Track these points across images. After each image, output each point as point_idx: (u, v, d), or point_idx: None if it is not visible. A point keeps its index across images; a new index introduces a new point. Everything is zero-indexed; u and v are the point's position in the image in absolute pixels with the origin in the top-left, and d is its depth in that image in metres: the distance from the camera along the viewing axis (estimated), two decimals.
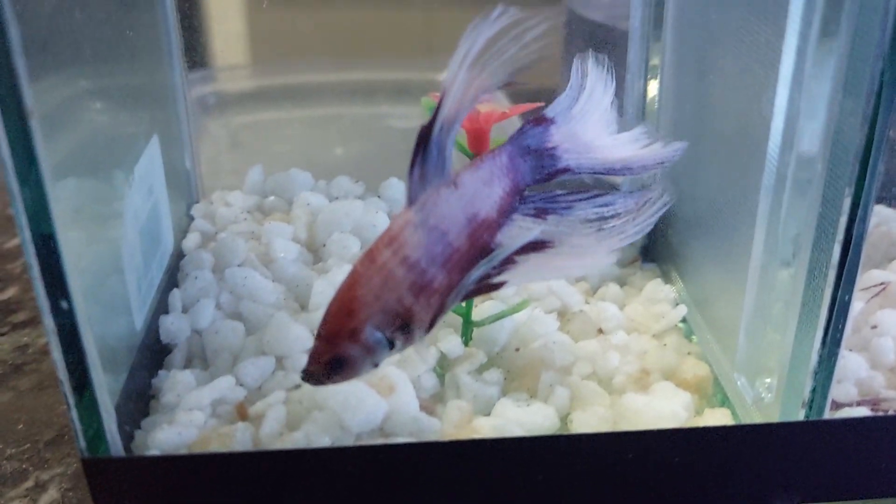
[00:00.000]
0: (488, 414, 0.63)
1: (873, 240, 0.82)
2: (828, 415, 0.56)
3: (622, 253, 0.58)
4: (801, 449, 0.57)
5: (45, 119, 0.48)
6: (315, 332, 0.55)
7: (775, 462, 0.58)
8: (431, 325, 0.54)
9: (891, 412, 0.63)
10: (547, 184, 0.58)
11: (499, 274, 0.54)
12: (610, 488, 0.58)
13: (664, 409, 0.61)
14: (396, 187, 0.91)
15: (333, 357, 0.53)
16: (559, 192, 0.58)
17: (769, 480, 0.59)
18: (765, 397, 0.61)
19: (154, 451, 0.57)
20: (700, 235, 0.74)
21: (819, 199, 0.53)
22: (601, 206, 0.58)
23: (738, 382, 0.64)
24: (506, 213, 0.56)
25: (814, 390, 0.55)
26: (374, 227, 0.81)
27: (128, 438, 0.59)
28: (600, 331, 0.72)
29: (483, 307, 0.71)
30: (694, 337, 0.73)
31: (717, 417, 0.63)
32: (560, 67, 1.09)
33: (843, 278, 0.52)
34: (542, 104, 0.64)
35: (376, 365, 0.54)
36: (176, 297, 0.72)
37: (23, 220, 0.48)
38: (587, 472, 0.57)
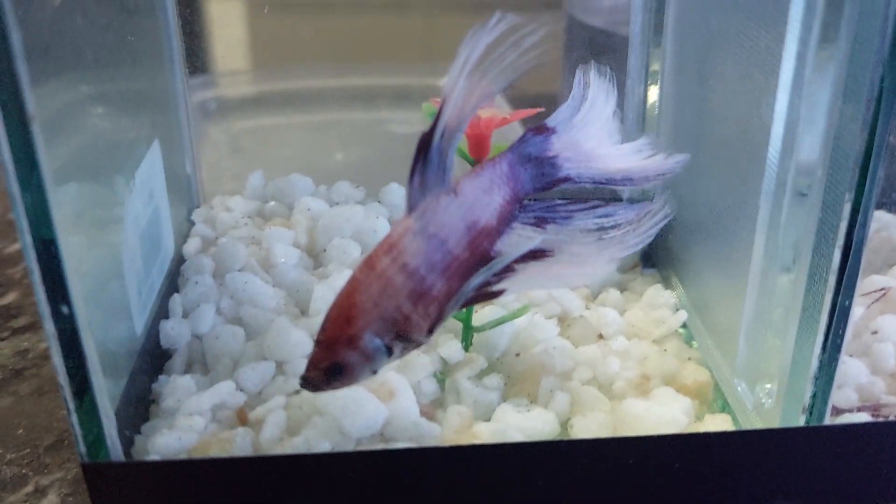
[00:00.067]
0: (489, 419, 0.63)
1: (874, 245, 0.82)
2: (828, 420, 0.56)
3: (622, 259, 0.58)
4: (801, 455, 0.57)
5: (47, 124, 0.48)
6: (314, 338, 0.55)
7: (776, 468, 0.58)
8: (430, 332, 0.54)
9: (891, 418, 0.63)
10: (548, 193, 0.58)
11: (498, 282, 0.54)
12: (610, 494, 0.58)
13: (664, 414, 0.61)
14: (397, 192, 0.91)
15: (332, 364, 0.53)
16: (558, 201, 0.58)
17: (770, 486, 0.59)
18: (765, 403, 0.61)
19: (154, 456, 0.57)
20: (700, 241, 0.74)
21: (819, 204, 0.53)
22: (601, 216, 0.58)
23: (739, 388, 0.64)
24: (505, 222, 0.56)
25: (814, 396, 0.55)
26: (374, 233, 0.81)
27: (128, 443, 0.59)
28: (601, 336, 0.72)
29: (483, 312, 0.71)
30: (694, 342, 0.73)
31: (718, 423, 0.63)
32: (560, 73, 1.09)
33: (843, 284, 0.52)
34: (543, 109, 0.64)
35: (375, 372, 0.54)
36: (176, 301, 0.72)
37: (24, 225, 0.48)
38: (587, 477, 0.57)
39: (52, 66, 0.52)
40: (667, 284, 0.80)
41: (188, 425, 0.59)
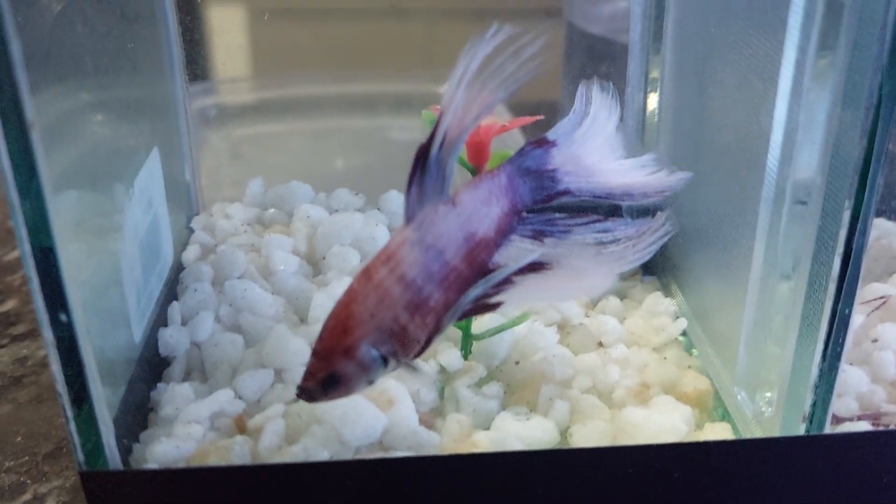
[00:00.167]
0: (488, 428, 0.63)
1: (874, 253, 0.82)
2: (828, 429, 0.56)
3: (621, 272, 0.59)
4: (801, 464, 0.57)
5: (46, 131, 0.48)
6: (312, 347, 0.55)
7: (776, 477, 0.58)
8: (427, 343, 0.54)
9: (892, 427, 0.63)
10: (547, 206, 0.58)
11: (496, 294, 0.54)
12: (610, 503, 0.58)
13: (664, 422, 0.61)
14: (396, 200, 0.91)
15: (328, 374, 0.53)
16: (557, 215, 0.58)
17: (770, 495, 0.58)
18: (765, 411, 0.61)
19: (152, 465, 0.57)
20: (700, 248, 0.74)
21: (819, 211, 0.53)
22: (600, 231, 0.58)
23: (739, 396, 0.64)
24: (504, 234, 0.56)
25: (814, 404, 0.55)
26: (373, 240, 0.81)
27: (126, 452, 0.59)
28: (600, 344, 0.72)
29: (483, 320, 0.71)
30: (694, 350, 0.73)
31: (718, 432, 0.63)
32: (560, 81, 1.09)
33: (843, 291, 0.52)
34: (542, 117, 0.64)
35: (371, 382, 0.54)
36: (175, 309, 0.72)
37: (23, 233, 0.48)
38: (587, 486, 0.57)
39: (51, 74, 0.52)
40: (667, 292, 0.80)
41: (186, 433, 0.59)
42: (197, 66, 0.91)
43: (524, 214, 0.57)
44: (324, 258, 0.81)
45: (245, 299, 0.73)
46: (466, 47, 0.51)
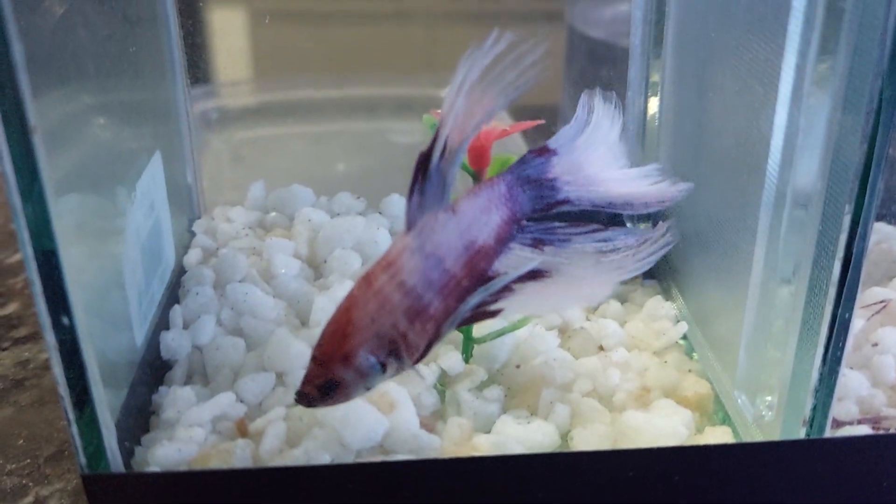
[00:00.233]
0: (489, 431, 0.63)
1: (874, 257, 0.82)
2: (829, 433, 0.56)
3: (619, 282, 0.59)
4: (801, 467, 0.57)
5: (48, 134, 0.48)
6: (311, 353, 0.55)
7: (776, 480, 0.58)
8: (426, 350, 0.54)
9: (892, 430, 0.63)
10: (547, 215, 0.58)
11: (495, 302, 0.54)
12: None
13: (665, 426, 0.61)
14: (398, 203, 0.91)
15: (326, 381, 0.53)
16: (557, 224, 0.58)
17: (770, 499, 0.58)
18: (765, 415, 0.61)
19: (154, 468, 0.57)
20: (700, 252, 0.74)
21: (819, 216, 0.53)
22: (599, 240, 0.58)
23: (739, 400, 0.64)
24: (504, 242, 0.56)
25: (814, 408, 0.55)
26: (375, 244, 0.81)
27: (128, 455, 0.59)
28: (601, 348, 0.72)
29: (484, 324, 0.71)
30: (695, 354, 0.73)
31: (718, 435, 0.63)
32: (561, 84, 1.09)
33: (843, 296, 0.52)
34: (543, 122, 0.64)
35: (369, 388, 0.54)
36: (177, 312, 0.72)
37: (25, 237, 0.48)
38: (587, 490, 0.57)
39: (53, 77, 0.52)
40: (667, 296, 0.80)
41: (188, 437, 0.59)
42: (198, 69, 0.91)
43: (524, 223, 0.57)
44: (325, 262, 0.81)
45: (246, 303, 0.73)
46: (466, 54, 0.51)
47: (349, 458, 0.59)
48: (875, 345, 0.69)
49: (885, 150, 0.49)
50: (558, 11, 1.12)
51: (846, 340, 0.53)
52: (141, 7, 0.76)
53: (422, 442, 0.60)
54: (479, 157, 0.65)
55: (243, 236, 0.87)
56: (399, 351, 0.53)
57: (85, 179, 0.58)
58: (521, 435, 0.61)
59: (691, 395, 0.66)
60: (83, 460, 0.54)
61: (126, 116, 0.70)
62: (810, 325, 0.55)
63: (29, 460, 0.68)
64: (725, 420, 0.65)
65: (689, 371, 0.70)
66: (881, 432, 0.62)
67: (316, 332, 0.69)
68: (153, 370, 0.68)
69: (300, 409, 0.62)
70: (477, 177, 0.66)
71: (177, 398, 0.64)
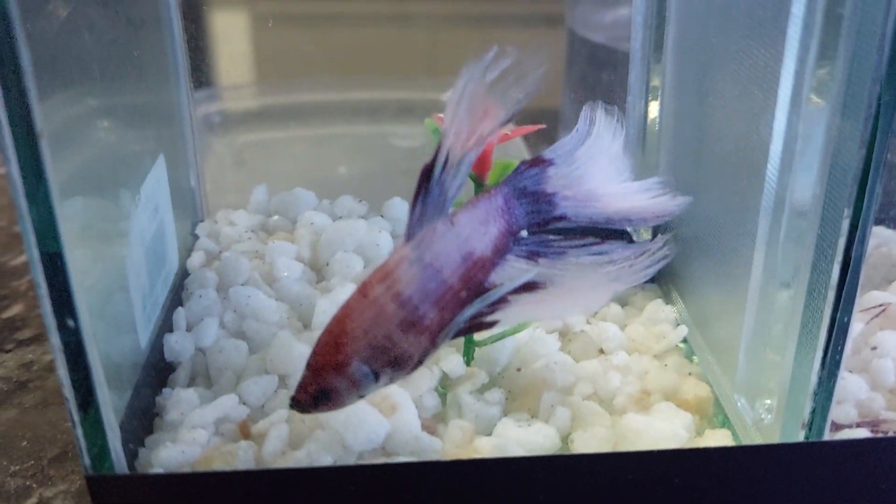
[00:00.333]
0: (490, 434, 0.63)
1: (873, 261, 0.82)
2: (827, 436, 0.57)
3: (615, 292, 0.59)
4: (801, 470, 0.58)
5: (54, 137, 0.49)
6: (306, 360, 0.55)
7: (775, 483, 0.58)
8: (421, 361, 0.54)
9: (890, 434, 0.63)
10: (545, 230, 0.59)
11: (492, 313, 0.55)
12: None
13: (665, 429, 0.61)
14: (399, 207, 0.91)
15: (319, 389, 0.54)
16: (552, 237, 0.58)
17: (769, 501, 0.59)
18: (765, 418, 0.61)
19: (158, 469, 0.58)
20: (700, 256, 0.74)
21: (818, 220, 0.53)
22: (595, 254, 0.58)
23: (739, 403, 0.64)
24: (500, 253, 0.56)
25: (813, 411, 0.56)
26: (377, 247, 0.82)
27: (132, 456, 0.59)
28: (601, 351, 0.72)
29: None
30: (695, 357, 0.73)
31: (718, 438, 0.63)
32: (562, 89, 1.09)
33: (842, 299, 0.53)
34: (544, 126, 0.64)
35: (362, 396, 0.55)
36: (180, 315, 0.72)
37: (31, 239, 0.48)
38: (588, 492, 0.57)
39: (59, 80, 0.53)
40: (667, 299, 0.81)
41: (191, 438, 0.60)
42: (201, 72, 0.91)
43: (520, 235, 0.58)
44: (327, 265, 0.81)
45: (249, 306, 0.73)
46: (465, 66, 0.52)
47: (351, 460, 0.59)
48: (874, 348, 0.69)
49: (883, 155, 0.49)
50: (559, 15, 1.13)
51: (845, 344, 0.54)
52: (145, 11, 0.76)
53: (423, 444, 0.60)
54: (480, 162, 0.65)
55: (246, 239, 0.87)
56: (393, 361, 0.53)
57: (90, 182, 0.58)
58: (521, 437, 0.61)
59: (691, 399, 0.66)
60: (87, 461, 0.54)
61: (130, 120, 0.70)
62: (809, 329, 0.55)
63: (33, 462, 0.68)
64: (725, 423, 0.66)
65: (689, 374, 0.70)
66: (880, 435, 0.63)
67: (318, 334, 0.69)
68: (157, 372, 0.68)
69: None
70: (478, 181, 0.66)
71: (180, 400, 0.64)
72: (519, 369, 0.68)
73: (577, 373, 0.68)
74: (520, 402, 0.66)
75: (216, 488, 0.56)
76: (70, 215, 0.51)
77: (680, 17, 0.78)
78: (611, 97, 0.92)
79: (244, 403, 0.64)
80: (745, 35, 0.62)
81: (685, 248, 0.77)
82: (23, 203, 0.47)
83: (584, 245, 0.58)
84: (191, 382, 0.69)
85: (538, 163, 0.59)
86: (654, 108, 0.85)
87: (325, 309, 0.72)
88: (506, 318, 0.55)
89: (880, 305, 0.73)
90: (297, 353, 0.66)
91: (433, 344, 0.54)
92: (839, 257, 0.52)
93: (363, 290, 0.53)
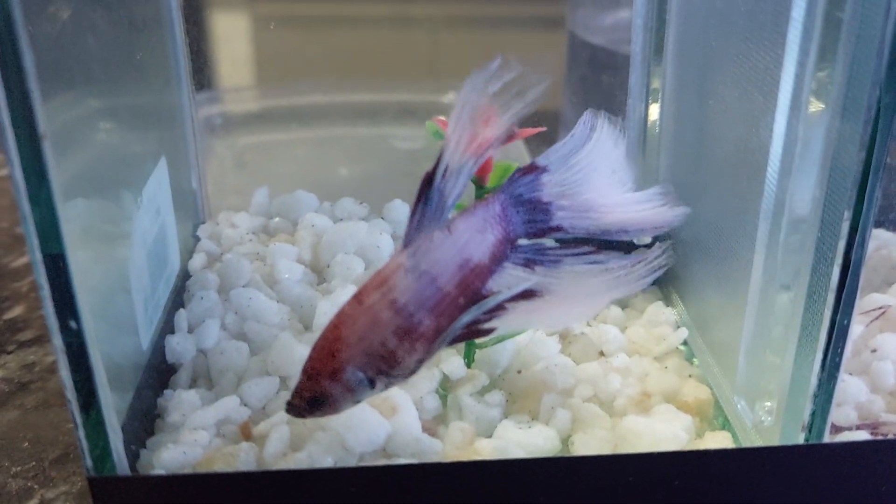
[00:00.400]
0: (490, 436, 0.63)
1: (873, 263, 0.82)
2: (827, 438, 0.57)
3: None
4: (800, 473, 0.58)
5: (56, 139, 0.49)
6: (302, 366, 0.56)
7: (775, 486, 0.58)
8: (417, 367, 0.55)
9: (890, 436, 0.63)
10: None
11: (488, 320, 0.55)
12: None
13: (665, 431, 0.61)
14: (400, 209, 0.92)
15: (314, 394, 0.54)
16: (549, 245, 0.59)
17: (769, 503, 0.59)
18: (765, 420, 0.61)
19: (159, 471, 0.58)
20: (701, 258, 0.74)
21: (818, 223, 0.53)
22: (591, 262, 0.58)
23: (739, 405, 0.65)
24: (498, 261, 0.56)
25: (813, 414, 0.56)
26: (377, 249, 0.82)
27: (133, 457, 0.59)
28: (602, 353, 0.73)
29: None
30: (695, 359, 0.73)
31: (718, 440, 0.63)
32: (562, 91, 1.10)
33: (842, 302, 0.53)
34: (545, 129, 0.64)
35: (358, 402, 0.55)
36: (182, 317, 0.72)
37: (33, 241, 0.48)
38: (588, 494, 0.58)
39: (62, 82, 0.53)
40: (668, 302, 0.81)
41: (193, 440, 0.60)
42: (202, 74, 0.91)
43: (517, 243, 0.58)
44: (328, 266, 0.81)
45: (250, 307, 0.73)
46: (469, 78, 0.53)
47: (352, 462, 0.59)
48: (874, 351, 0.70)
49: (883, 158, 0.50)
50: (559, 18, 1.13)
51: (845, 346, 0.54)
52: (146, 13, 0.76)
53: (424, 446, 0.60)
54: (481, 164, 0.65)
55: (247, 241, 0.87)
56: (388, 367, 0.53)
57: (92, 184, 0.58)
58: (522, 439, 0.61)
59: (691, 401, 0.67)
60: (89, 463, 0.54)
61: (132, 122, 0.70)
62: (809, 331, 0.55)
63: (34, 463, 0.68)
64: (725, 425, 0.66)
65: (690, 376, 0.70)
66: (880, 438, 0.63)
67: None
68: (158, 374, 0.68)
69: None
70: (479, 183, 0.66)
71: (182, 401, 0.64)
72: (519, 371, 0.68)
73: (578, 375, 0.68)
74: (520, 404, 0.66)
75: (217, 489, 0.56)
76: (72, 217, 0.51)
77: (680, 20, 0.78)
78: (611, 100, 0.93)
79: (245, 405, 0.65)
80: (745, 38, 0.62)
81: (685, 250, 0.77)
82: (26, 205, 0.48)
83: (580, 253, 0.58)
84: (192, 384, 0.69)
85: (532, 170, 0.59)
86: (654, 111, 0.85)
87: (326, 311, 0.72)
88: (503, 325, 0.55)
89: (880, 308, 0.74)
90: (298, 354, 0.66)
91: (429, 351, 0.54)
92: (839, 260, 0.52)
93: (359, 297, 0.54)
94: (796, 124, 0.55)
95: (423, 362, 0.55)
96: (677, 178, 0.80)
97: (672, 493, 0.58)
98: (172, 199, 0.78)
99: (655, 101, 0.84)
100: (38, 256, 0.49)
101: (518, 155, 0.95)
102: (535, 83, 0.54)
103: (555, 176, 0.59)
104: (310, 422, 0.61)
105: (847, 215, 0.51)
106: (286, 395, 0.65)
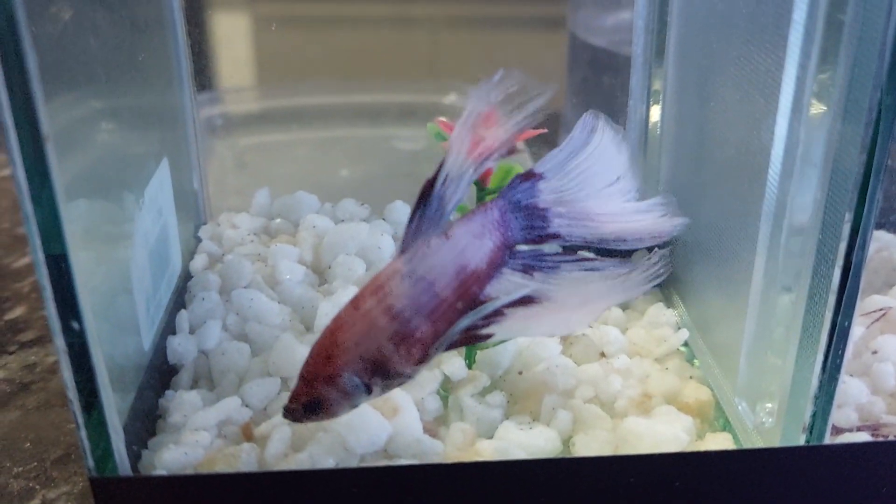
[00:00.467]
0: (491, 437, 0.63)
1: (874, 265, 0.82)
2: (828, 440, 0.57)
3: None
4: (801, 474, 0.58)
5: (59, 140, 0.49)
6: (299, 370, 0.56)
7: (776, 487, 0.58)
8: (413, 372, 0.55)
9: (891, 437, 0.63)
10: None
11: (486, 326, 0.55)
12: None
13: (666, 432, 0.61)
14: (402, 210, 0.92)
15: (310, 399, 0.54)
16: (547, 251, 0.59)
17: None
18: (766, 422, 0.61)
19: (161, 471, 0.58)
20: (702, 260, 0.74)
21: (819, 224, 0.54)
22: (588, 269, 0.58)
23: (740, 407, 0.65)
24: (496, 267, 0.57)
25: (814, 415, 0.56)
26: (378, 250, 0.82)
27: (135, 458, 0.59)
28: (603, 354, 0.73)
29: None
30: (696, 361, 0.73)
31: (719, 442, 0.63)
32: (564, 92, 1.10)
33: (843, 303, 0.53)
34: (546, 130, 0.65)
35: (354, 407, 0.55)
36: (183, 318, 0.72)
37: (36, 241, 0.48)
38: (589, 495, 0.58)
39: (64, 83, 0.53)
40: (668, 303, 0.81)
41: (194, 440, 0.60)
42: (204, 75, 0.92)
43: (516, 249, 0.58)
44: (329, 267, 0.81)
45: (252, 308, 0.73)
46: (474, 90, 0.53)
47: (353, 463, 0.59)
48: (875, 352, 0.70)
49: (884, 160, 0.50)
50: (560, 18, 1.13)
51: (846, 348, 0.54)
52: (148, 14, 0.76)
53: (425, 447, 0.60)
54: None
55: (248, 242, 0.87)
56: (384, 373, 0.54)
57: (95, 185, 0.58)
58: (523, 440, 0.62)
59: (692, 402, 0.67)
60: (91, 463, 0.54)
61: (134, 123, 0.71)
62: (810, 333, 0.55)
63: (36, 463, 0.68)
64: (726, 426, 0.66)
65: (690, 378, 0.70)
66: (880, 439, 0.63)
67: None
68: (160, 374, 0.68)
69: None
70: (480, 185, 0.67)
71: (183, 402, 0.64)
72: (520, 372, 0.68)
73: (579, 376, 0.68)
74: (521, 405, 0.67)
75: (219, 490, 0.56)
76: (75, 218, 0.51)
77: (681, 22, 0.78)
78: (612, 101, 0.93)
79: (247, 406, 0.65)
80: (747, 40, 0.62)
81: (687, 252, 0.78)
82: (28, 205, 0.48)
83: (578, 260, 0.59)
84: (193, 385, 0.69)
85: (529, 177, 0.59)
86: (655, 113, 0.85)
87: (327, 312, 0.72)
88: (500, 331, 0.56)
89: (881, 310, 0.74)
90: (299, 355, 0.66)
91: (425, 356, 0.54)
92: (840, 262, 0.52)
93: (355, 303, 0.54)
94: (797, 126, 0.55)
95: (420, 368, 0.55)
96: (678, 179, 0.80)
97: (673, 494, 0.58)
98: (174, 200, 0.78)
99: (657, 102, 0.85)
100: (41, 257, 0.49)
101: (518, 156, 0.95)
102: (538, 95, 0.55)
103: (552, 183, 0.59)
104: (310, 423, 0.62)
105: (848, 217, 0.51)
106: (287, 396, 0.65)
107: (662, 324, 0.77)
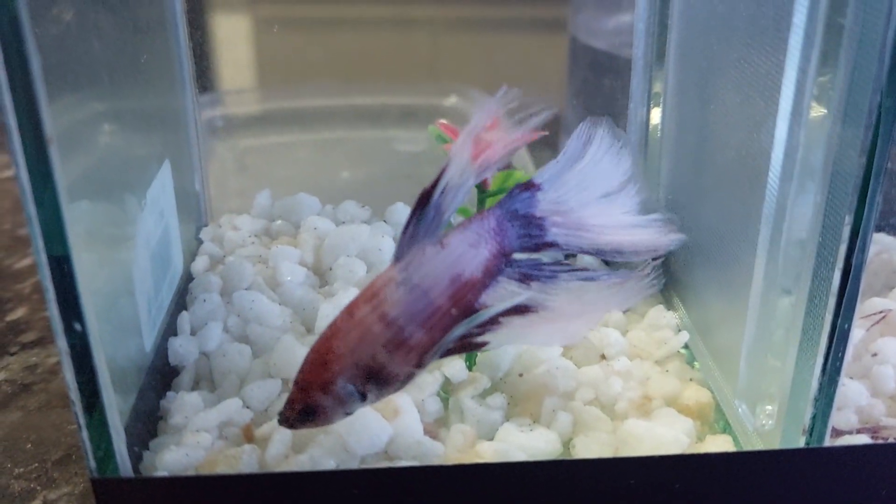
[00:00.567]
0: (491, 438, 0.63)
1: (874, 268, 0.82)
2: (828, 442, 0.57)
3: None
4: (801, 476, 0.58)
5: (62, 142, 0.49)
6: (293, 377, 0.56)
7: (776, 489, 0.58)
8: (408, 379, 0.55)
9: (891, 440, 0.63)
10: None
11: (481, 334, 0.55)
12: None
13: (666, 435, 0.61)
14: (402, 212, 0.92)
15: (305, 406, 0.54)
16: (544, 260, 0.59)
17: None
18: (766, 424, 0.61)
19: (162, 472, 0.58)
20: (702, 262, 0.74)
21: (819, 227, 0.54)
22: (584, 279, 0.59)
23: (740, 409, 0.65)
24: (492, 275, 0.57)
25: (814, 417, 0.56)
26: (379, 251, 0.82)
27: (136, 459, 0.59)
28: (603, 356, 0.73)
29: None
30: (696, 363, 0.74)
31: (719, 444, 0.63)
32: (565, 95, 1.10)
33: (843, 306, 0.53)
34: (547, 133, 0.65)
35: (349, 414, 0.56)
36: (184, 319, 0.73)
37: (39, 243, 0.49)
38: (589, 497, 0.58)
39: (67, 85, 0.53)
40: (669, 305, 0.81)
41: (195, 442, 0.60)
42: (205, 77, 0.92)
43: (512, 257, 0.58)
44: (330, 269, 0.81)
45: (253, 310, 0.73)
46: (478, 104, 0.53)
47: (354, 464, 0.59)
48: (874, 355, 0.70)
49: (883, 163, 0.50)
50: (561, 21, 1.13)
51: (846, 350, 0.54)
52: (151, 16, 0.77)
53: (425, 448, 0.60)
54: None
55: (249, 244, 0.88)
56: (378, 380, 0.54)
57: (97, 187, 0.59)
58: (523, 442, 0.62)
59: (692, 404, 0.67)
60: (93, 464, 0.54)
61: (137, 125, 0.71)
62: (810, 336, 0.55)
63: (37, 464, 0.69)
64: (726, 429, 0.66)
65: (691, 380, 0.71)
66: (880, 442, 0.63)
67: None
68: (161, 376, 0.68)
69: None
70: (480, 189, 0.67)
71: (184, 404, 0.64)
72: (521, 374, 0.68)
73: (579, 378, 0.69)
74: (522, 407, 0.67)
75: (220, 492, 0.56)
76: (77, 219, 0.51)
77: (682, 25, 0.78)
78: (613, 104, 0.93)
79: (248, 407, 0.65)
80: (747, 43, 0.62)
81: (687, 254, 0.78)
82: (31, 207, 0.48)
83: (574, 269, 0.59)
84: (195, 386, 0.69)
85: (528, 187, 0.59)
86: (655, 115, 0.85)
87: (328, 313, 0.72)
88: (495, 339, 0.56)
89: (881, 312, 0.74)
90: (300, 357, 0.66)
91: (420, 363, 0.55)
92: (840, 264, 0.52)
93: (350, 310, 0.54)
94: (797, 129, 0.55)
95: (415, 375, 0.55)
96: (679, 181, 0.80)
97: (673, 496, 0.58)
98: (176, 202, 0.78)
99: (657, 105, 0.85)
100: (44, 258, 0.49)
101: (519, 159, 0.95)
102: (538, 113, 0.56)
103: (549, 193, 0.59)
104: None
105: (848, 220, 0.51)
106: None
107: (663, 326, 0.77)
